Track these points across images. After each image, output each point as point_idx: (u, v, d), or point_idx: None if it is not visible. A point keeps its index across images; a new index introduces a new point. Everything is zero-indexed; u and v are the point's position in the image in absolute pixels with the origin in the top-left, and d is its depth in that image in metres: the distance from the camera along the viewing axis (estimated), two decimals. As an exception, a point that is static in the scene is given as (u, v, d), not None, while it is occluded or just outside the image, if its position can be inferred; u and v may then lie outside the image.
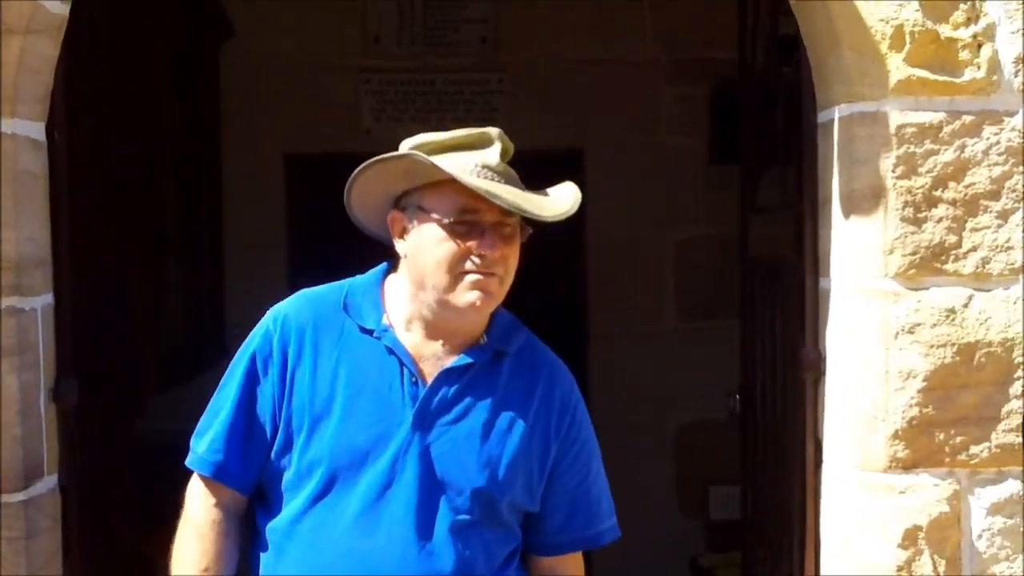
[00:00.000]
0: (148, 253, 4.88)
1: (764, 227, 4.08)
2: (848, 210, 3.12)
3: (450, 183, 2.30)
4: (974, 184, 3.00)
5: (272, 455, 2.36)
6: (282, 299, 2.49)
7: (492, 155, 2.37)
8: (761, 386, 4.10)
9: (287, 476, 2.35)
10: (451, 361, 2.36)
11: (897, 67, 2.98)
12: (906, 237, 3.00)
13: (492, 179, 2.32)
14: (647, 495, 6.45)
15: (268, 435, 2.37)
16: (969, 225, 2.99)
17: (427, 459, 2.31)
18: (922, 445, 3.00)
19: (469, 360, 2.37)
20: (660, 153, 6.49)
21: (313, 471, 2.32)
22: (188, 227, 5.85)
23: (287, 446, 2.35)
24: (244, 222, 6.41)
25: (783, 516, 3.57)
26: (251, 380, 2.39)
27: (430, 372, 2.35)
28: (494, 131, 2.43)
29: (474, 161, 2.35)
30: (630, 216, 6.48)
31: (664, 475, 6.55)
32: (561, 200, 2.40)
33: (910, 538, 3.00)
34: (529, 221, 2.33)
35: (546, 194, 2.43)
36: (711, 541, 6.46)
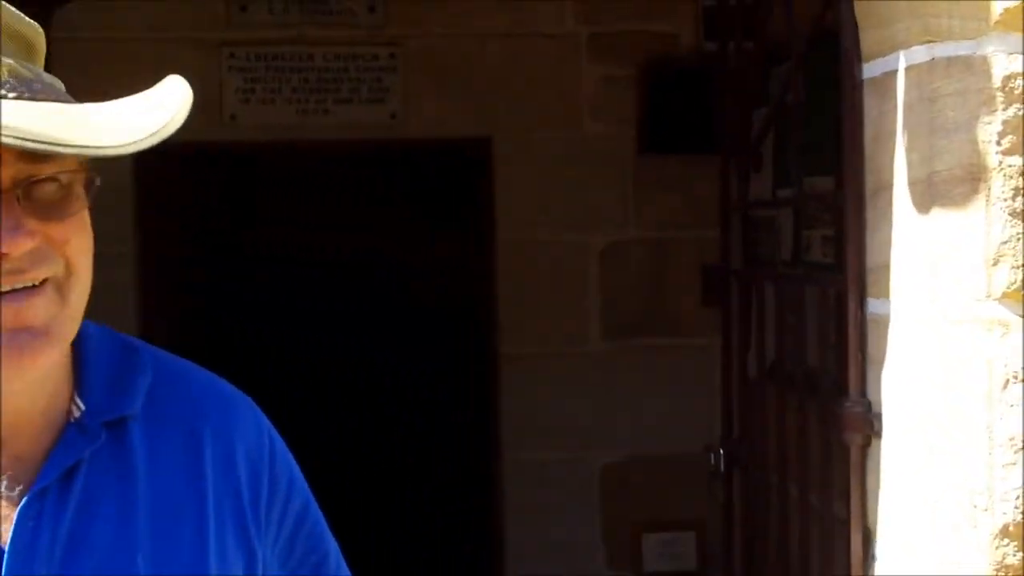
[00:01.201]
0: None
1: (756, 230, 3.12)
2: (924, 202, 2.14)
3: None
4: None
5: None
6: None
7: None
8: (758, 443, 3.11)
9: None
10: (30, 481, 1.30)
11: (1009, -14, 2.02)
12: (1020, 240, 2.04)
13: None
14: (568, 546, 5.48)
15: None
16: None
17: None
18: (1047, 548, 2.05)
19: (65, 464, 1.31)
20: (581, 143, 5.50)
21: None
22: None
23: None
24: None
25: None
26: None
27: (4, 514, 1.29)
28: None
29: None
30: (546, 217, 5.49)
31: (588, 522, 5.55)
32: (153, 107, 1.43)
33: None
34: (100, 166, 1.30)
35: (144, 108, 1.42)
36: (644, 598, 5.51)
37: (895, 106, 2.17)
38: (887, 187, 2.21)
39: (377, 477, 7.49)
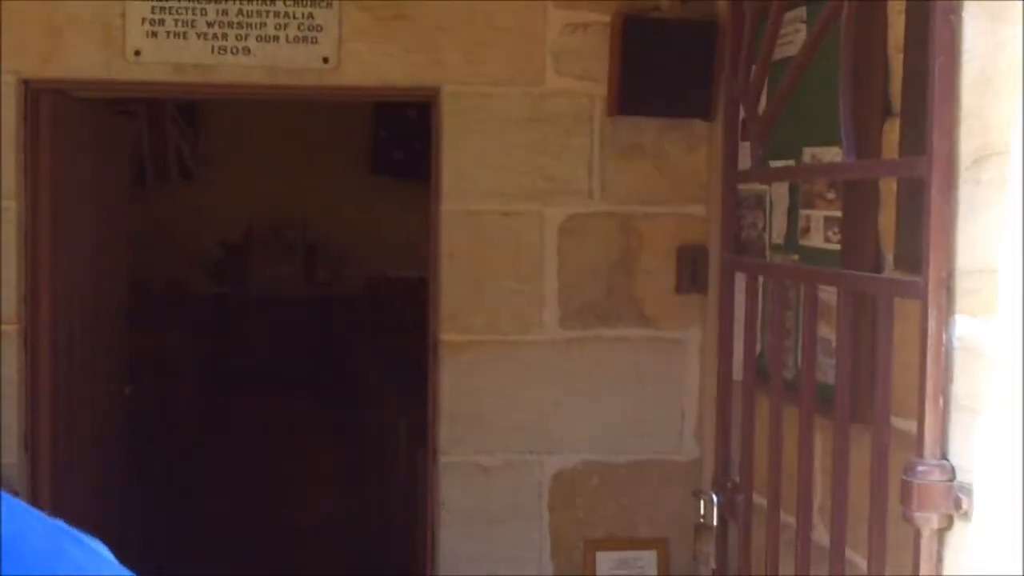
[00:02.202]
0: None
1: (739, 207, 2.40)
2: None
3: None
4: None
5: None
6: None
7: None
8: (767, 490, 2.39)
9: None
10: None
11: None
12: None
13: None
14: (511, 562, 4.77)
15: None
16: None
17: None
18: None
19: None
20: (542, 100, 4.75)
21: None
22: None
23: None
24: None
25: None
26: None
27: None
28: None
29: None
30: (500, 185, 4.74)
31: (535, 535, 4.83)
32: None
33: None
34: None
35: None
36: (595, 625, 4.81)
37: (1017, 33, 1.46)
38: (997, 153, 1.50)
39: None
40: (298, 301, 13.17)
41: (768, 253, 3.93)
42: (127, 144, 5.85)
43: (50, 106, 4.74)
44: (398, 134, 13.46)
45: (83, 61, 4.54)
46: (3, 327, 4.54)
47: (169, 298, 12.61)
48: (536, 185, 4.75)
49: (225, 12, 4.57)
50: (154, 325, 9.98)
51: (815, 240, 3.63)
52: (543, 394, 4.78)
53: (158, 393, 8.17)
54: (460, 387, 4.76)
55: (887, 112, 2.94)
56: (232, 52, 4.58)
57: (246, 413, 11.65)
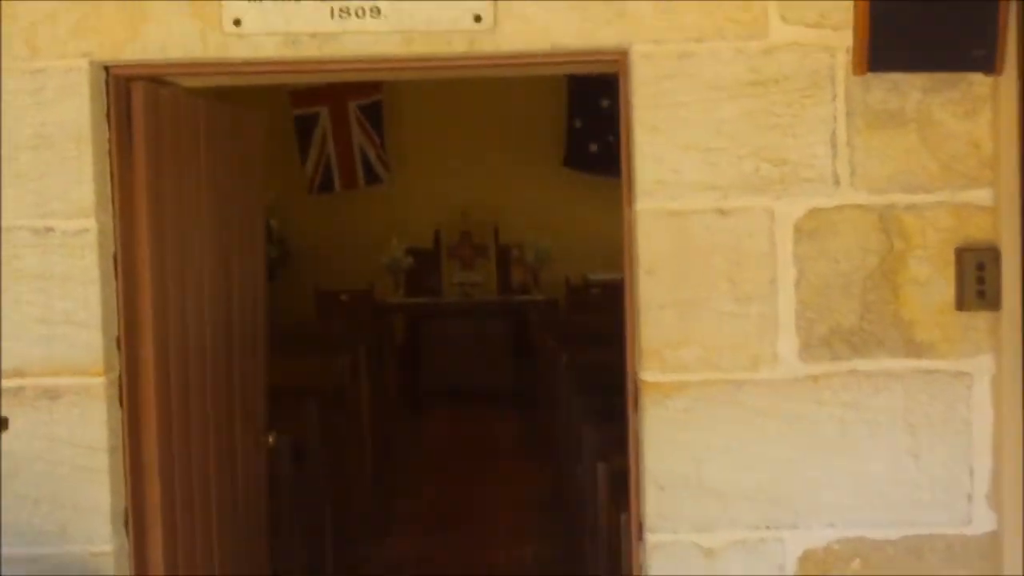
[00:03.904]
0: None
1: None
2: None
3: None
4: None
5: None
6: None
7: None
8: None
9: None
10: None
11: None
12: None
13: None
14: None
15: None
16: None
17: None
18: None
19: None
20: (765, 58, 3.57)
21: None
22: None
23: None
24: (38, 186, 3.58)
25: None
26: None
27: None
28: None
29: None
30: (712, 174, 3.58)
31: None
32: None
33: None
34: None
35: None
36: None
37: None
38: None
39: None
40: (492, 308, 12.35)
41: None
42: (260, 142, 4.86)
43: (144, 98, 3.77)
44: (593, 125, 12.54)
45: (168, 37, 3.54)
46: (81, 380, 3.58)
47: (356, 308, 12.00)
48: (760, 172, 3.57)
49: (346, -36, 3.52)
50: (337, 339, 9.23)
51: None
52: (780, 449, 3.60)
53: (329, 427, 7.20)
54: (669, 442, 3.62)
55: None
56: (357, 15, 3.52)
57: (434, 439, 10.75)
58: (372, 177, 12.87)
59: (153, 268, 3.87)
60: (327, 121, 12.78)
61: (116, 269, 3.70)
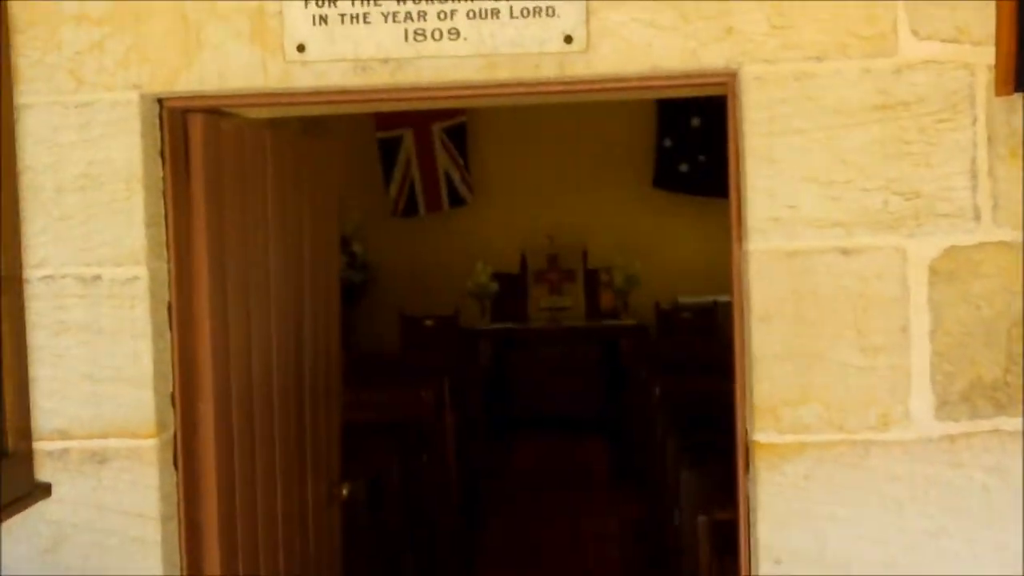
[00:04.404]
0: None
1: None
2: None
3: None
4: None
5: None
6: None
7: None
8: None
9: None
10: None
11: None
12: None
13: None
14: None
15: None
16: None
17: None
18: None
19: None
20: (893, 79, 3.15)
21: None
22: None
23: None
24: (84, 230, 3.25)
25: None
26: None
27: None
28: None
29: None
30: (834, 209, 3.16)
31: None
32: None
33: None
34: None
35: None
36: None
37: None
38: None
39: None
40: (580, 334, 11.98)
41: None
42: (334, 173, 4.51)
43: (203, 131, 3.44)
44: (683, 144, 12.14)
45: (226, 65, 3.20)
46: (131, 443, 3.24)
47: (440, 334, 11.74)
48: (890, 206, 3.15)
49: (420, -17, 3.15)
50: (421, 368, 8.93)
51: None
52: (913, 520, 3.17)
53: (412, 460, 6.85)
54: (786, 512, 3.19)
55: None
56: (434, 37, 3.15)
57: (522, 468, 10.38)
58: (457, 200, 12.60)
59: (214, 315, 3.53)
60: (411, 144, 12.53)
61: (171, 319, 3.36)
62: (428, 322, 11.96)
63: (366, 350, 12.06)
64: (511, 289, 12.24)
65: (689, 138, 12.18)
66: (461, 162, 12.55)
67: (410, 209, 12.59)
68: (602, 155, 12.34)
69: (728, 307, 10.68)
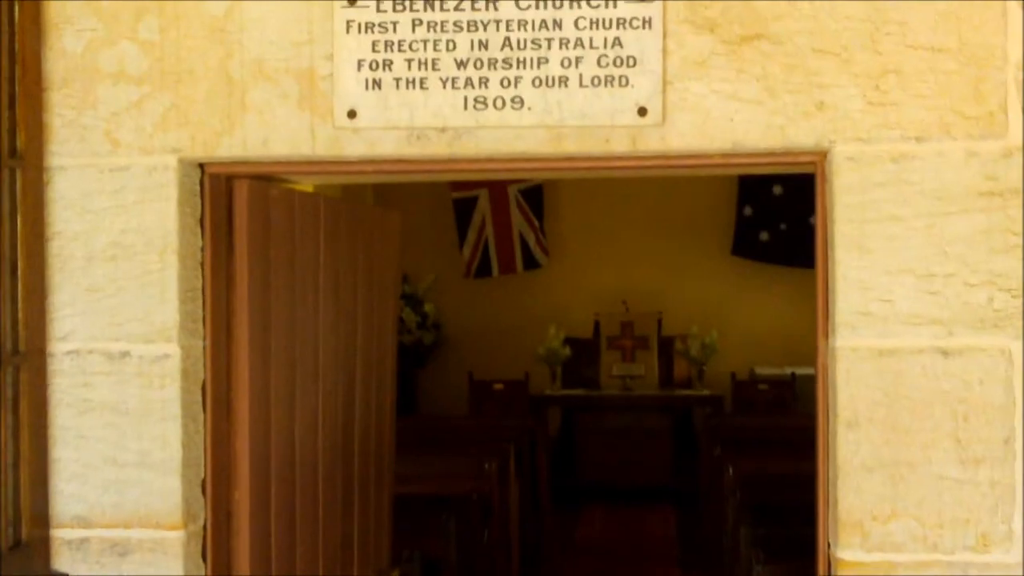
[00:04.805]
0: None
1: None
2: None
3: None
4: None
5: None
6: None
7: None
8: None
9: None
10: None
11: None
12: None
13: None
14: None
15: None
16: None
17: None
18: None
19: None
20: (1004, 160, 2.84)
21: None
22: None
23: None
24: (114, 303, 3.02)
25: None
26: None
27: None
28: None
29: None
30: (933, 305, 2.85)
31: None
32: None
33: None
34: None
35: None
36: None
37: None
38: None
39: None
40: (652, 403, 11.67)
41: None
42: (393, 241, 4.27)
43: (249, 199, 3.21)
44: (764, 212, 11.84)
45: (272, 130, 2.96)
46: (155, 534, 2.99)
47: (510, 399, 11.50)
48: (995, 304, 2.83)
49: (484, 43, 2.90)
50: (488, 436, 8.69)
51: None
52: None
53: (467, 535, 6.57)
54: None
55: None
56: (496, 105, 2.90)
57: (588, 540, 10.06)
58: (531, 262, 12.38)
59: (253, 395, 3.29)
60: (486, 204, 12.36)
61: (204, 400, 3.12)
62: (498, 386, 11.72)
63: (433, 412, 11.87)
64: (583, 354, 11.98)
65: (771, 206, 11.90)
66: (537, 224, 12.35)
67: (483, 270, 12.41)
68: (680, 220, 12.10)
69: (807, 380, 10.31)
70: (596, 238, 12.26)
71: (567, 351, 11.81)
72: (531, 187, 12.25)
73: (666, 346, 12.04)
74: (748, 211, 12.12)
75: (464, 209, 12.40)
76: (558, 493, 10.53)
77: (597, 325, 12.10)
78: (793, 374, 11.27)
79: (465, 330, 12.31)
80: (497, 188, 12.25)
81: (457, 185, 12.18)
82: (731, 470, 7.59)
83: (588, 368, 12.03)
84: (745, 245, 12.16)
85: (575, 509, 10.90)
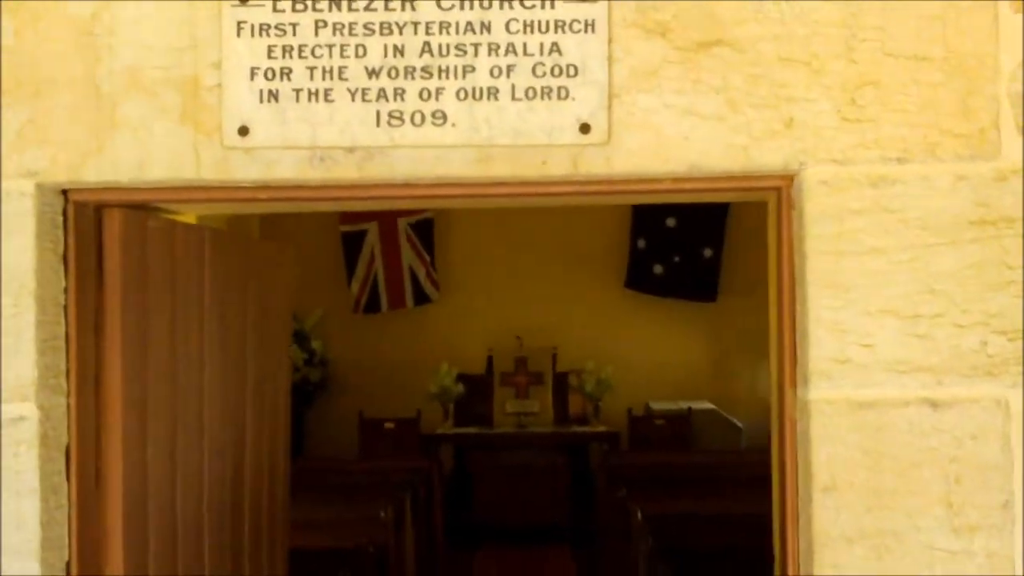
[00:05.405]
0: None
1: None
2: None
3: None
4: None
5: None
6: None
7: None
8: None
9: None
10: None
11: None
12: None
13: None
14: None
15: None
16: None
17: None
18: None
19: None
20: (996, 185, 2.50)
21: None
22: None
23: None
24: None
25: None
26: None
27: None
28: None
29: None
30: (918, 350, 2.49)
31: None
32: None
33: None
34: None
35: None
36: None
37: None
38: None
39: None
40: (548, 440, 11.34)
41: None
42: (285, 275, 3.83)
43: (122, 232, 2.74)
44: (658, 245, 11.59)
45: (148, 150, 2.51)
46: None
47: (401, 438, 11.10)
48: (990, 348, 2.48)
49: (400, 49, 2.47)
50: (380, 480, 8.30)
51: None
52: None
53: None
54: None
55: None
56: (414, 121, 2.47)
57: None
58: (422, 297, 11.98)
59: (128, 460, 2.82)
60: (375, 238, 11.95)
61: (68, 469, 2.63)
62: (388, 424, 11.32)
63: (322, 453, 11.42)
64: (476, 391, 11.62)
65: (665, 239, 11.68)
66: (427, 258, 11.97)
67: (372, 306, 11.98)
68: (574, 255, 11.82)
69: (703, 415, 10.04)
70: (488, 271, 11.93)
71: (460, 388, 11.46)
72: (422, 220, 11.87)
73: (561, 382, 11.74)
74: (642, 243, 11.87)
75: (353, 242, 11.98)
76: (452, 532, 10.18)
77: (490, 361, 11.76)
78: (690, 408, 11.09)
79: (354, 367, 11.88)
80: (387, 221, 11.86)
81: (346, 217, 11.74)
82: (639, 514, 7.26)
83: (481, 405, 11.68)
84: (639, 278, 11.91)
85: (470, 551, 10.52)
